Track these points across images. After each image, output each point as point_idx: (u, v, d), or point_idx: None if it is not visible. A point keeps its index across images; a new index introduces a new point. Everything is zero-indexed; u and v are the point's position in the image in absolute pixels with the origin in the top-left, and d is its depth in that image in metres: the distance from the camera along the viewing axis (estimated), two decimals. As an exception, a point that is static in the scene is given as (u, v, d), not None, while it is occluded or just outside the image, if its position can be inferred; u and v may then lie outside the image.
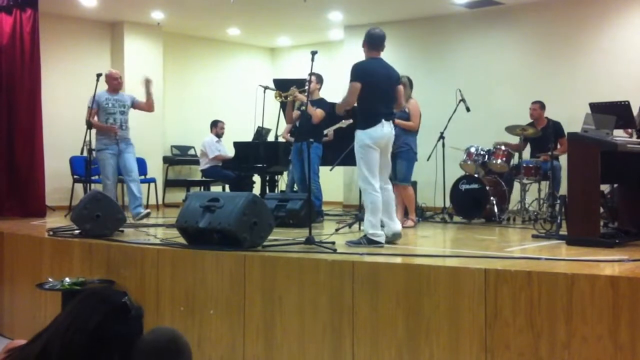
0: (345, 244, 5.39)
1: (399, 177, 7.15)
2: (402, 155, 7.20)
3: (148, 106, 8.14)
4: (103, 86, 8.56)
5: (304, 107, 7.33)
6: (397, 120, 6.91)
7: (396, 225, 5.59)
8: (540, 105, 8.60)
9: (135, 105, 8.14)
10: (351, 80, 5.42)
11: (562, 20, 9.64)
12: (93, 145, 8.08)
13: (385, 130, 5.43)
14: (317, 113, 7.69)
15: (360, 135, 5.39)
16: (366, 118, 5.41)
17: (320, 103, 7.87)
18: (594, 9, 9.38)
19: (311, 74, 6.86)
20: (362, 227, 6.91)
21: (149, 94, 8.03)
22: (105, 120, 7.85)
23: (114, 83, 8.06)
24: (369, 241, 5.29)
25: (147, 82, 8.02)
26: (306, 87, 7.36)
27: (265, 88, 8.93)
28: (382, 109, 5.45)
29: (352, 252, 4.95)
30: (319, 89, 8.02)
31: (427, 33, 10.82)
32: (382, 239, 5.35)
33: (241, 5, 9.70)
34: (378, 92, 5.44)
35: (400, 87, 5.80)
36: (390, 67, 5.64)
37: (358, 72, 5.42)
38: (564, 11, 9.61)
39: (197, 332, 5.08)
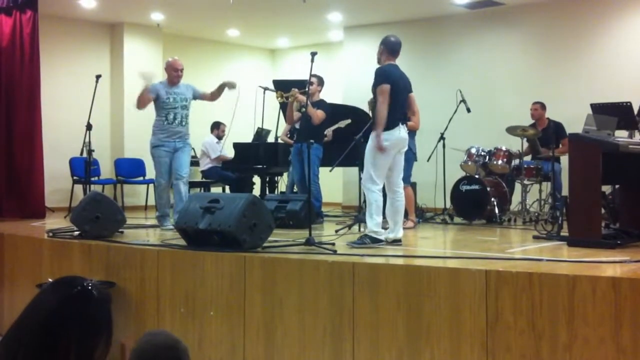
0: (347, 245, 5.37)
1: None
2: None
3: (212, 96, 7.44)
4: (103, 87, 8.54)
5: (304, 109, 7.31)
6: None
7: (399, 232, 5.64)
8: (541, 106, 8.59)
9: (197, 97, 7.42)
10: (380, 83, 5.48)
11: (563, 20, 9.63)
12: (93, 146, 8.06)
13: (402, 133, 5.57)
14: (318, 114, 7.67)
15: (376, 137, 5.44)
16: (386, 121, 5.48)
17: (320, 104, 7.86)
18: (595, 10, 9.37)
19: (312, 75, 6.85)
20: (362, 229, 6.91)
21: (221, 89, 7.38)
22: (165, 115, 7.15)
23: (175, 75, 7.23)
24: (373, 240, 5.33)
25: (230, 86, 7.41)
26: (307, 89, 7.35)
27: (265, 89, 8.92)
28: (400, 113, 5.59)
29: (352, 253, 4.94)
30: (320, 91, 8.00)
31: (427, 34, 10.80)
32: (383, 237, 5.42)
33: (241, 6, 9.69)
34: (397, 96, 5.55)
35: (412, 95, 5.89)
36: (405, 74, 5.77)
37: (385, 75, 5.53)
38: (565, 12, 9.59)
39: (198, 334, 5.06)
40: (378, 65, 5.70)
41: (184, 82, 7.37)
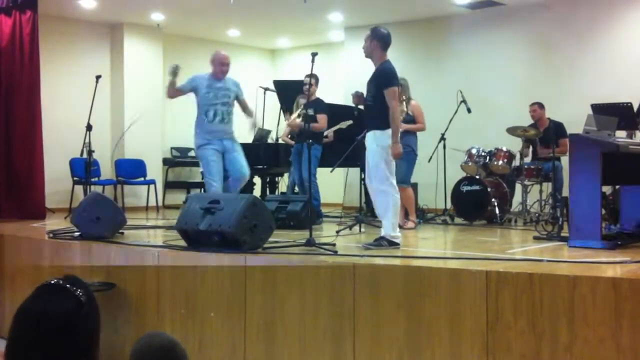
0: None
1: (398, 178, 7.18)
2: (403, 157, 7.20)
3: (245, 111, 7.03)
4: (103, 88, 8.52)
5: (307, 110, 7.28)
6: (406, 125, 7.04)
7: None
8: (539, 106, 8.57)
9: (239, 100, 6.91)
10: (390, 86, 5.39)
11: (563, 21, 9.62)
12: (93, 147, 8.06)
13: None
14: (322, 122, 7.68)
15: (383, 136, 5.37)
16: (387, 118, 5.42)
17: (317, 104, 7.87)
18: (596, 10, 9.36)
19: (308, 75, 6.85)
20: (363, 229, 6.91)
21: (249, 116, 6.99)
22: (205, 112, 6.66)
23: (222, 69, 6.76)
24: (390, 243, 5.29)
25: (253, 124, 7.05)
26: (306, 92, 7.39)
27: (265, 89, 8.94)
28: None
29: (353, 253, 4.94)
30: (316, 89, 8.04)
31: (428, 34, 10.81)
32: (399, 240, 5.37)
33: (241, 6, 9.68)
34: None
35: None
36: None
37: (394, 75, 5.47)
38: (566, 12, 9.59)
39: (198, 335, 5.06)
40: (370, 59, 5.58)
41: (233, 79, 6.96)
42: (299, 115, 7.83)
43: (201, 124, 6.74)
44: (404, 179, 7.25)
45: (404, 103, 7.39)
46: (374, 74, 5.53)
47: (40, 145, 8.91)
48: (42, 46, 9.13)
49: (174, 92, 6.82)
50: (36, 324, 1.78)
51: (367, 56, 5.60)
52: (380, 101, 5.42)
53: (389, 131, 5.38)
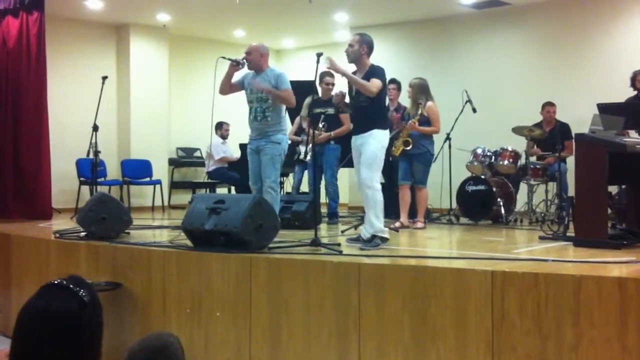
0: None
1: (416, 178, 7.32)
2: (419, 158, 7.34)
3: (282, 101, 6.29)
4: (109, 88, 8.52)
5: (328, 110, 7.33)
6: (420, 128, 7.22)
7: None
8: (556, 108, 8.57)
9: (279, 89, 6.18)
10: (380, 78, 5.50)
11: (569, 20, 9.60)
12: (99, 147, 8.08)
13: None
14: (346, 122, 7.65)
15: (382, 135, 5.48)
16: (384, 119, 5.57)
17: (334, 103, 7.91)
18: (602, 9, 9.34)
19: (327, 74, 6.89)
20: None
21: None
22: (249, 109, 6.31)
23: (248, 59, 6.30)
24: (383, 239, 5.35)
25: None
26: (332, 92, 7.48)
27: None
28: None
29: (358, 253, 4.94)
30: None
31: (433, 34, 10.80)
32: (388, 235, 5.45)
33: (247, 7, 9.70)
34: (385, 97, 5.73)
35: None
36: None
37: (384, 74, 5.57)
38: (572, 11, 9.57)
39: (204, 334, 5.07)
40: (353, 64, 5.75)
41: (277, 70, 6.46)
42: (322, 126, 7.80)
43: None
44: (421, 179, 7.34)
45: (414, 107, 7.45)
46: (367, 74, 5.59)
47: (46, 146, 8.95)
48: (49, 47, 9.16)
49: (225, 84, 6.39)
50: (39, 323, 1.80)
51: (351, 61, 5.72)
52: (378, 100, 5.52)
53: (387, 132, 5.53)
